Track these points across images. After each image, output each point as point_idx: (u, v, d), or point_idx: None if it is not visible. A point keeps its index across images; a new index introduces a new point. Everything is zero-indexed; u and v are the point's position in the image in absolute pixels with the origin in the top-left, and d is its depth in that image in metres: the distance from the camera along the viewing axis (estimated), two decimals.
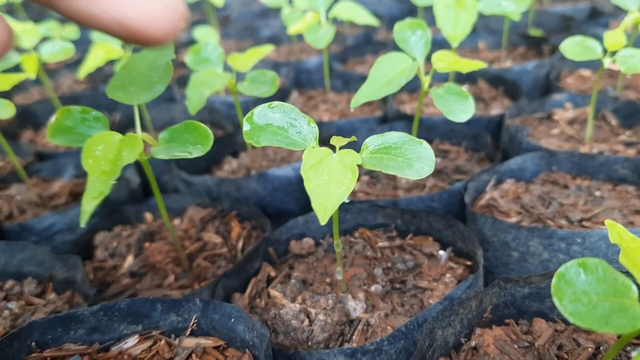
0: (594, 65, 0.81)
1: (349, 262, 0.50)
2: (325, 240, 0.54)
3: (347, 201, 0.34)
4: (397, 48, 0.97)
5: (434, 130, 0.68)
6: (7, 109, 0.54)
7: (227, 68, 0.59)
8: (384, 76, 0.50)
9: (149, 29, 0.28)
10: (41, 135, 0.84)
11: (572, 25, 0.95)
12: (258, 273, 0.50)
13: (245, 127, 0.37)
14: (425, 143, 0.37)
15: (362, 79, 0.85)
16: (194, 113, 0.54)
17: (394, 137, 0.37)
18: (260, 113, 0.37)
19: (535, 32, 0.95)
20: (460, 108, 0.49)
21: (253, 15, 1.30)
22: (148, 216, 0.61)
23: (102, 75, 0.95)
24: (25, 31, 0.75)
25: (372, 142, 0.37)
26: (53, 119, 0.41)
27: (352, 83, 0.85)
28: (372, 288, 0.45)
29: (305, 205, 0.63)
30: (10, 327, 0.44)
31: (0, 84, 0.55)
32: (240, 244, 0.56)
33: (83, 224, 0.34)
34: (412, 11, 1.18)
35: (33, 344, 0.37)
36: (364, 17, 0.67)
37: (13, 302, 0.48)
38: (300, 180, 0.62)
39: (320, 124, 0.73)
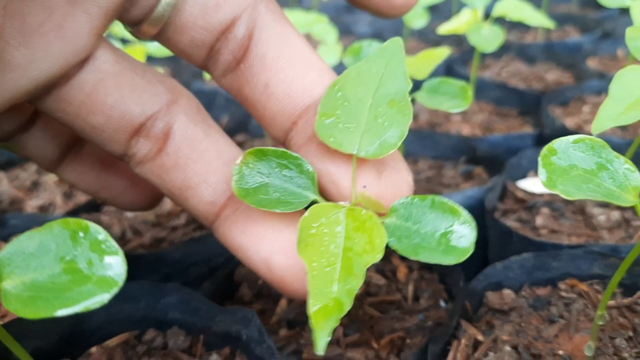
0: None
1: (573, 327, 0.40)
2: (525, 292, 0.44)
3: None
4: (521, 52, 0.87)
5: None
6: None
7: None
8: (628, 95, 0.40)
9: (293, 284, 0.30)
10: None
11: None
12: (457, 334, 0.40)
13: (542, 174, 0.27)
14: None
15: (494, 86, 0.75)
16: None
17: None
18: (562, 151, 0.28)
19: None
20: None
21: (337, 10, 1.20)
22: None
23: (191, 71, 0.86)
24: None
25: None
26: (238, 161, 0.31)
27: (481, 90, 0.75)
28: None
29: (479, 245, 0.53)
30: None
31: None
32: (410, 288, 0.47)
33: (321, 352, 0.23)
34: None
35: None
36: (537, 19, 0.57)
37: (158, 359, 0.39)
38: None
39: (465, 139, 0.63)
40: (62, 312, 0.21)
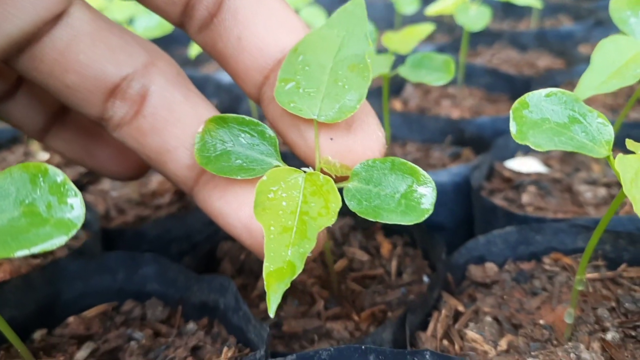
0: None
1: (555, 298, 0.40)
2: (509, 266, 0.43)
3: None
4: (513, 40, 0.87)
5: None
6: None
7: (379, 49, 0.49)
8: (610, 64, 0.40)
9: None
10: None
11: None
12: (438, 305, 0.40)
13: (512, 127, 0.27)
14: None
15: (485, 72, 0.75)
16: None
17: None
18: (534, 104, 0.27)
19: None
20: None
21: (332, 2, 1.19)
22: None
23: (181, 57, 0.86)
24: (119, 2, 0.65)
25: None
26: (200, 129, 0.30)
27: (473, 76, 0.75)
28: (609, 336, 0.35)
29: (460, 219, 0.53)
30: None
31: None
32: (394, 264, 0.46)
33: (271, 313, 0.23)
34: None
35: None
36: None
37: (136, 330, 0.38)
38: (455, 189, 0.52)
39: (453, 122, 0.62)
40: (20, 253, 0.21)
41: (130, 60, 0.30)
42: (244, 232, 0.31)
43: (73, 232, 0.22)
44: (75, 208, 0.22)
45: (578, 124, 0.27)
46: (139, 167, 0.40)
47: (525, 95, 0.27)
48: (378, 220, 0.27)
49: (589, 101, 0.65)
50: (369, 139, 0.29)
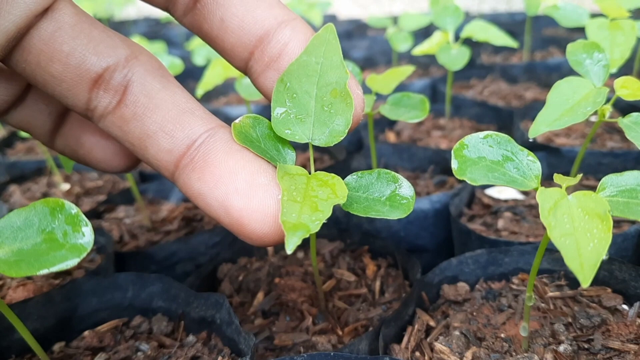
0: None
1: (518, 315, 0.44)
2: (480, 286, 0.47)
3: (605, 258, 0.27)
4: (504, 73, 0.91)
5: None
6: None
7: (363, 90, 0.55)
8: (563, 102, 0.45)
9: (250, 224, 0.30)
10: None
11: None
12: (412, 321, 0.44)
13: (454, 164, 0.31)
14: None
15: (474, 103, 0.79)
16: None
17: (637, 178, 0.31)
18: (472, 145, 0.32)
19: None
20: None
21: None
22: (269, 248, 0.56)
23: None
24: None
25: (610, 182, 0.31)
26: (238, 120, 0.33)
27: (463, 108, 0.80)
28: (561, 348, 0.39)
29: (441, 242, 0.58)
30: None
31: None
32: (377, 284, 0.51)
33: (289, 250, 0.26)
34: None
35: None
36: (501, 38, 0.62)
37: (143, 342, 0.43)
38: (436, 214, 0.56)
39: (440, 152, 0.67)
40: (42, 272, 0.26)
41: (112, 52, 0.32)
42: (220, 210, 0.31)
43: (84, 255, 0.27)
44: (86, 235, 0.27)
45: (511, 161, 0.32)
46: (129, 159, 0.41)
47: (465, 137, 0.32)
48: (367, 215, 0.31)
49: (570, 131, 0.70)
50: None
